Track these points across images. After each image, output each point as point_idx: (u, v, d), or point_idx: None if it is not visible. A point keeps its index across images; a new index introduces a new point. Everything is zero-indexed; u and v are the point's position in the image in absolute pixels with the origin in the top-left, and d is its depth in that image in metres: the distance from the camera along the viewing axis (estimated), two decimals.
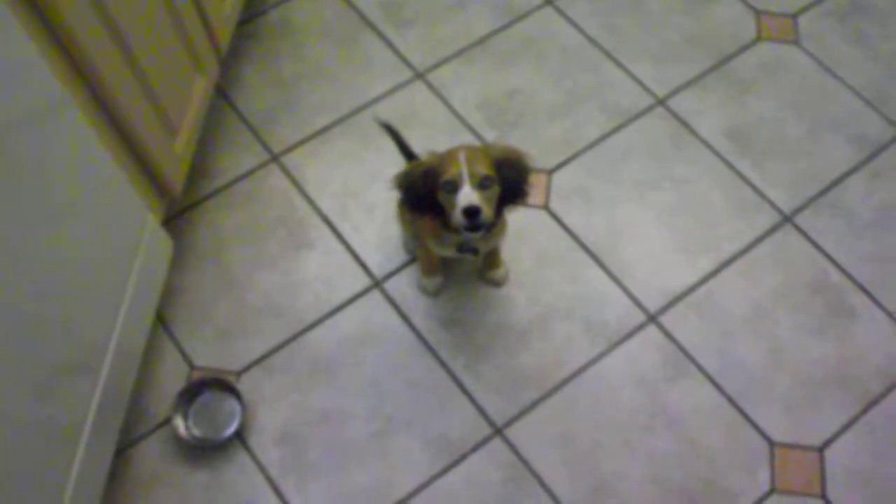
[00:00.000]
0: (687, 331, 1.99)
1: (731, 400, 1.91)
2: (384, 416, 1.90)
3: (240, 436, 1.87)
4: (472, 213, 1.43)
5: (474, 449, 1.86)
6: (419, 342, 1.97)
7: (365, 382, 1.93)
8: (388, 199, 2.15)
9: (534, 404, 1.91)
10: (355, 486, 1.83)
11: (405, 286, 2.04)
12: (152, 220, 1.79)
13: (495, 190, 1.49)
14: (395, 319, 2.00)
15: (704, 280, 2.05)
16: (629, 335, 1.99)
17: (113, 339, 1.66)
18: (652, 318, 2.00)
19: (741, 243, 2.10)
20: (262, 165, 2.21)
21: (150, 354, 1.95)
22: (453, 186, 1.46)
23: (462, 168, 1.44)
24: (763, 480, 1.83)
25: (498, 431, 1.88)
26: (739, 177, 2.19)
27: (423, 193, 1.52)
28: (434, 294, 2.01)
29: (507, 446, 1.87)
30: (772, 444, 1.87)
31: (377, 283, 2.05)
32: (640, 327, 2.00)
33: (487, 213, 1.46)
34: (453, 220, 1.48)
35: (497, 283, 2.02)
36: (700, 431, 1.88)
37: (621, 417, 1.90)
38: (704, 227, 2.12)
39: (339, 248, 2.09)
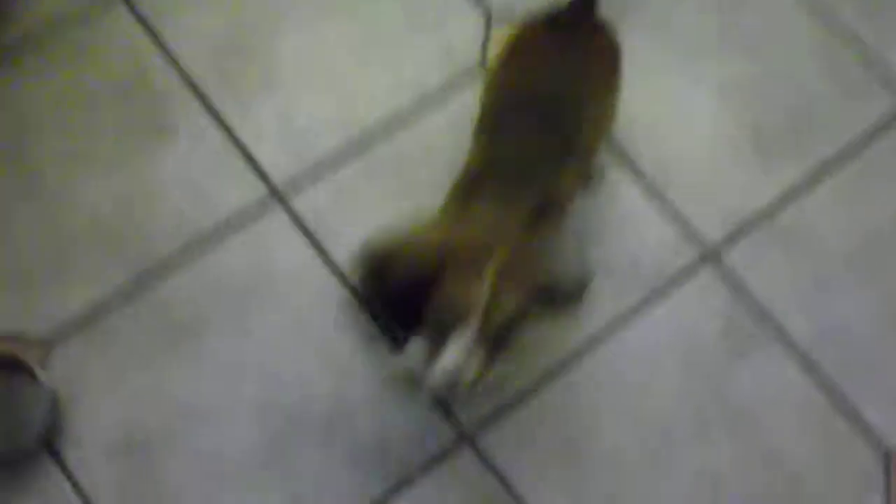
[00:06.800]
0: (763, 275, 1.30)
1: (828, 385, 1.25)
2: (286, 415, 1.19)
3: (50, 446, 1.16)
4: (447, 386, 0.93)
5: (428, 468, 1.18)
6: (347, 293, 1.24)
7: (255, 358, 1.22)
8: (299, 59, 1.37)
9: (521, 397, 1.21)
10: None
11: (326, 201, 1.29)
12: None
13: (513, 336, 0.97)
14: (306, 254, 1.27)
15: (790, 197, 1.35)
16: (674, 281, 1.29)
17: None
18: (710, 255, 1.29)
19: (846, 140, 1.38)
20: (97, 2, 1.39)
21: None
22: (443, 328, 0.91)
23: (473, 306, 0.90)
24: None
25: (465, 438, 1.19)
26: (839, 39, 1.44)
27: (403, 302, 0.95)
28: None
29: (480, 461, 1.18)
30: (888, 455, 1.21)
31: (279, 196, 1.29)
32: (692, 269, 1.29)
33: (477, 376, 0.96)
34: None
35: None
36: (779, 435, 1.23)
37: (658, 413, 1.23)
38: (789, 115, 1.39)
39: (218, 136, 1.32)
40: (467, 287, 0.89)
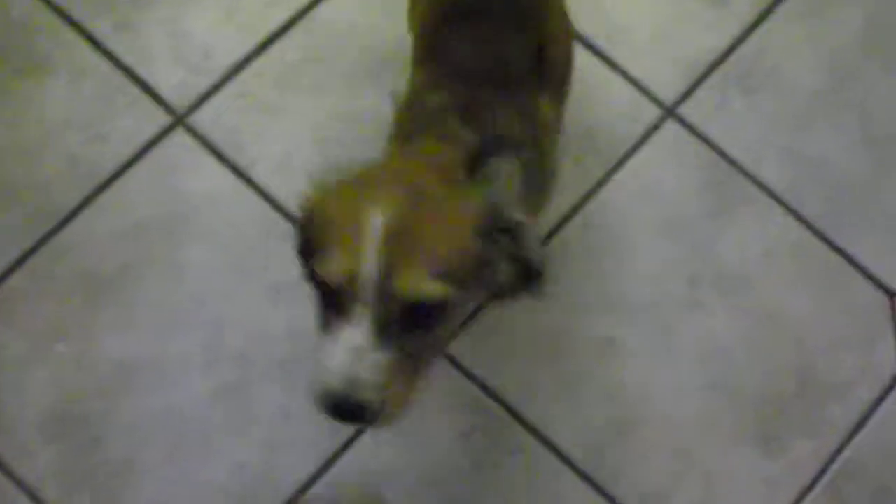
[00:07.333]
0: (728, 124, 1.17)
1: (816, 229, 1.14)
2: (239, 357, 1.06)
3: None
4: (342, 410, 0.63)
5: None
6: (273, 210, 1.10)
7: (191, 300, 1.08)
8: None
9: None
10: (202, 490, 1.02)
11: (236, 116, 1.13)
12: None
13: (446, 326, 0.67)
14: (223, 176, 1.11)
15: (747, 33, 1.20)
16: (637, 145, 1.16)
17: None
18: (670, 112, 1.17)
19: None
20: None
21: None
22: (334, 303, 0.64)
23: (362, 266, 0.62)
24: (885, 358, 1.10)
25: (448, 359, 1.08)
26: None
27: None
28: None
29: (458, 371, 1.07)
30: (892, 295, 1.12)
31: (179, 119, 1.13)
32: (654, 129, 1.16)
33: (392, 401, 0.64)
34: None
35: None
36: (775, 293, 1.12)
37: (645, 292, 1.11)
38: None
39: (102, 64, 1.15)
40: (341, 250, 0.62)
